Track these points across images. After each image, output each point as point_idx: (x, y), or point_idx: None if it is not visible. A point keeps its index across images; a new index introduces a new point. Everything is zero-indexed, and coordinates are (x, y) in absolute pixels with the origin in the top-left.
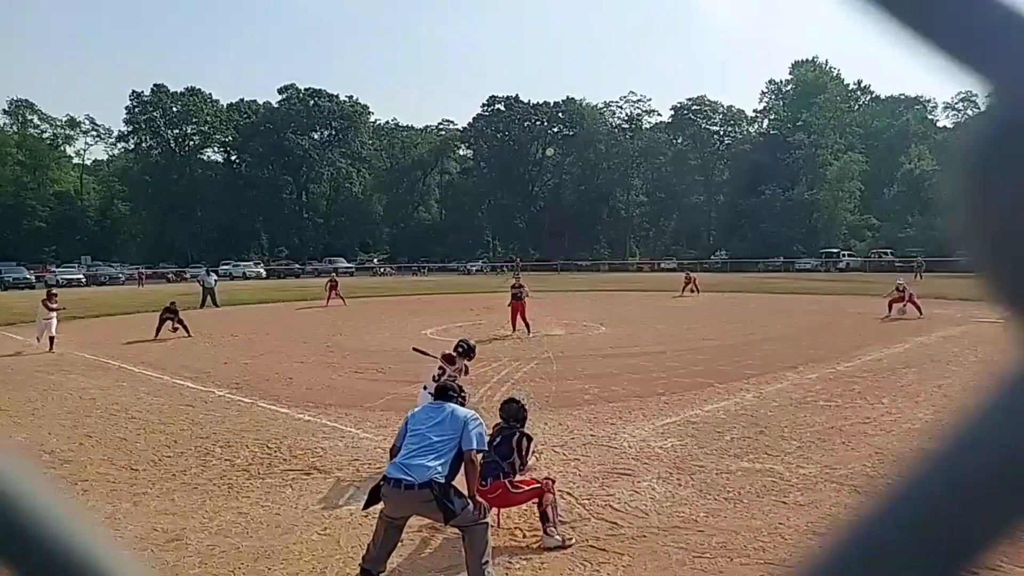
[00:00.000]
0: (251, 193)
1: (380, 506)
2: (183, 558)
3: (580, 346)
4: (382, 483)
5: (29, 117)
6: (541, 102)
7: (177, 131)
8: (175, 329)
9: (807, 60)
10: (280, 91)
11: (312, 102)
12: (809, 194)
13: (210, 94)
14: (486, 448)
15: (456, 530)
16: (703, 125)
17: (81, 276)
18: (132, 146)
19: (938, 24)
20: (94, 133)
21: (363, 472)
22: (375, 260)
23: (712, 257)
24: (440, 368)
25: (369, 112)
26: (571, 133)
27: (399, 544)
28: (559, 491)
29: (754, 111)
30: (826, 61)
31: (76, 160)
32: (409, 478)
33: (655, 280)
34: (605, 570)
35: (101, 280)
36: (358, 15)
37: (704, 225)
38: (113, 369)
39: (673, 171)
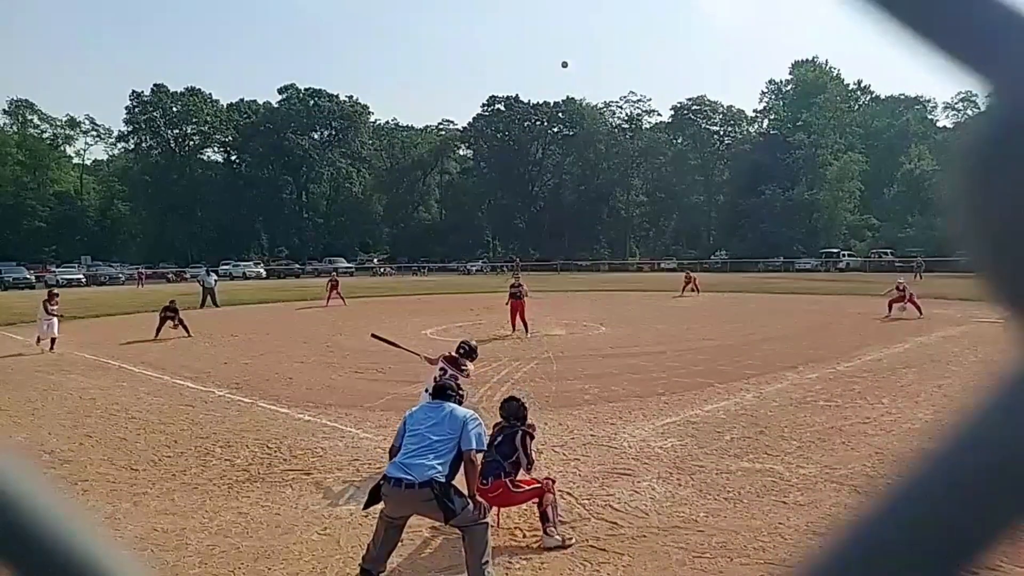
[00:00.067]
0: (251, 193)
1: (380, 506)
2: (183, 558)
3: (580, 346)
4: (382, 482)
5: (29, 117)
6: (541, 102)
7: (177, 131)
8: (176, 327)
9: (807, 60)
10: (280, 91)
11: (312, 102)
12: (809, 194)
13: (210, 94)
14: (485, 448)
15: (456, 530)
16: (703, 125)
17: (81, 276)
18: (132, 146)
19: (938, 24)
20: (94, 133)
21: (363, 472)
22: (375, 260)
23: (712, 257)
24: (441, 369)
25: (369, 112)
26: (571, 133)
27: (399, 544)
28: (559, 491)
29: (754, 111)
30: (826, 61)
31: (76, 160)
32: (409, 477)
33: (655, 280)
34: (605, 570)
35: (101, 280)
36: (358, 15)
37: (704, 225)
38: (113, 369)
39: (673, 171)
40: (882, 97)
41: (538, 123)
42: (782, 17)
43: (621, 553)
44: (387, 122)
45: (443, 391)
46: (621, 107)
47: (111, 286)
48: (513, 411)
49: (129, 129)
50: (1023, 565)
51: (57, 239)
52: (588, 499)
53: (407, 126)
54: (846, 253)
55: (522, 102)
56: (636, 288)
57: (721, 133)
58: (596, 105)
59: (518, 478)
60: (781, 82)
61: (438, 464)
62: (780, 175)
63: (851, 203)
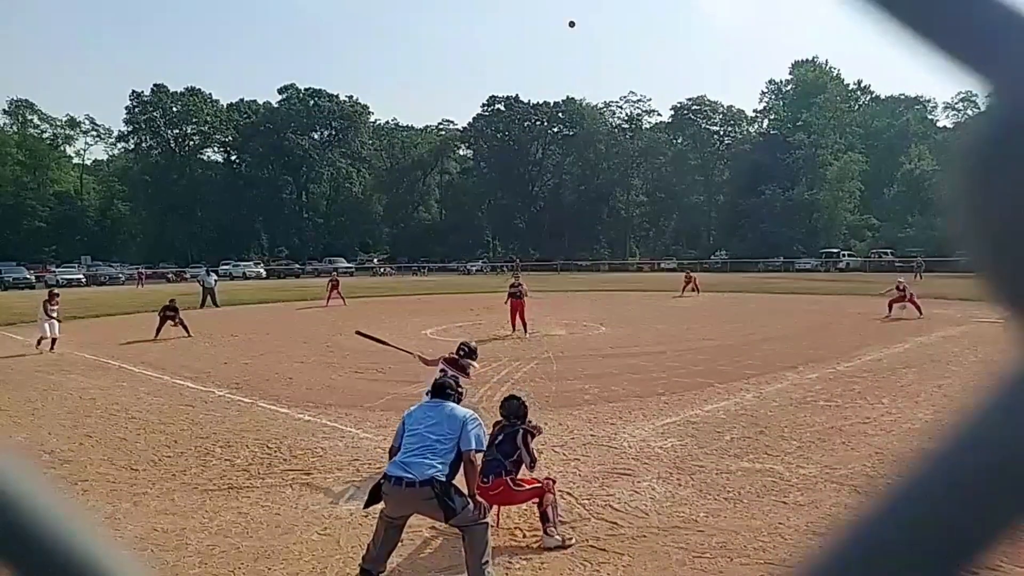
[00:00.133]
0: (251, 193)
1: (380, 506)
2: (183, 558)
3: (580, 346)
4: (383, 481)
5: (29, 117)
6: (541, 102)
7: (177, 131)
8: (176, 325)
9: (807, 60)
10: (280, 91)
11: (312, 102)
12: (809, 194)
13: (210, 94)
14: (484, 448)
15: (456, 530)
16: (703, 125)
17: (81, 276)
18: (132, 146)
19: (938, 24)
20: (94, 133)
21: (363, 472)
22: (375, 260)
23: (712, 257)
24: (442, 370)
25: (369, 112)
26: (571, 133)
27: (399, 544)
28: (559, 491)
29: (754, 111)
30: (826, 61)
31: (76, 160)
32: (410, 476)
33: (655, 280)
34: (605, 570)
35: (101, 280)
36: (358, 15)
37: (704, 225)
38: (113, 369)
39: (673, 171)
40: (882, 97)
41: (538, 123)
42: (782, 17)
43: (621, 553)
44: (387, 122)
45: (442, 390)
46: (621, 107)
47: (111, 286)
48: (514, 410)
49: (129, 129)
50: (1023, 565)
51: (57, 239)
52: (588, 499)
53: (407, 126)
54: (846, 253)
55: (522, 102)
56: (636, 288)
57: (721, 133)
58: (596, 105)
59: (519, 477)
60: (781, 82)
61: (438, 463)
62: (780, 175)
63: (851, 203)
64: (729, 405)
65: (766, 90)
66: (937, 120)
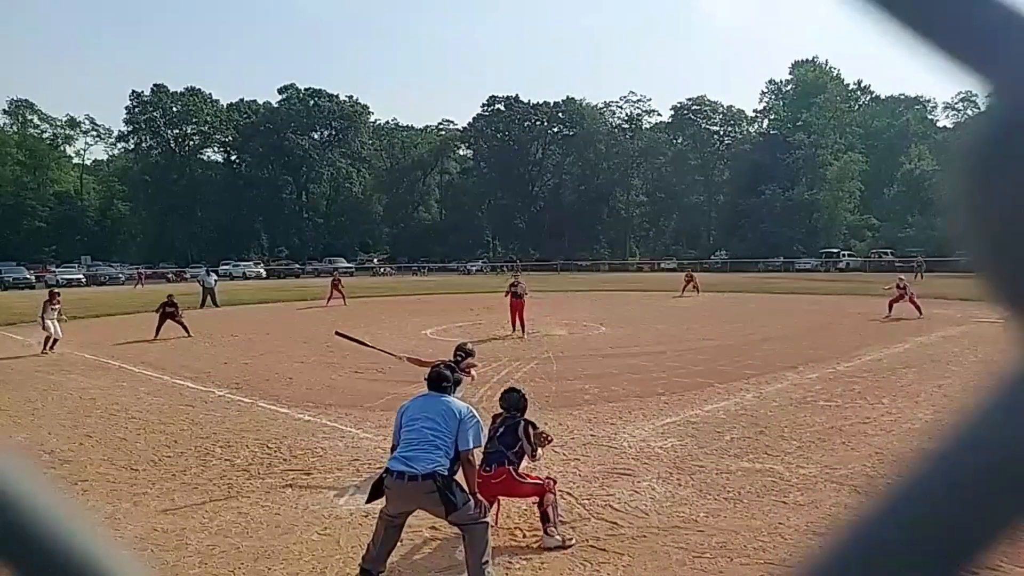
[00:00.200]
0: (251, 193)
1: (380, 505)
2: (183, 558)
3: (580, 346)
4: (384, 476)
5: (29, 117)
6: (541, 102)
7: (177, 131)
8: (179, 319)
9: (807, 60)
10: (280, 91)
11: (312, 102)
12: (809, 194)
13: (210, 94)
14: (482, 444)
15: (456, 530)
16: (703, 125)
17: (81, 276)
18: (132, 146)
19: (938, 24)
20: (94, 133)
21: (363, 472)
22: (375, 260)
23: (712, 257)
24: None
25: (369, 112)
26: (571, 133)
27: (399, 544)
28: (559, 491)
29: (754, 111)
30: (826, 61)
31: (76, 160)
32: (412, 469)
33: (655, 280)
34: (605, 570)
35: (101, 280)
36: (358, 15)
37: (704, 225)
38: (113, 369)
39: (673, 171)
40: (882, 97)
41: (538, 123)
42: (782, 17)
43: (621, 553)
44: (387, 122)
45: (439, 383)
46: (621, 107)
47: (111, 286)
48: (514, 403)
49: (129, 129)
50: (1023, 565)
51: (57, 239)
52: (588, 499)
53: (407, 126)
54: (846, 253)
55: (522, 102)
56: (636, 288)
57: (721, 133)
58: (596, 105)
59: (521, 469)
60: (781, 82)
61: (440, 457)
62: (780, 175)
63: (851, 203)
64: (729, 405)
65: (766, 90)
66: (937, 120)
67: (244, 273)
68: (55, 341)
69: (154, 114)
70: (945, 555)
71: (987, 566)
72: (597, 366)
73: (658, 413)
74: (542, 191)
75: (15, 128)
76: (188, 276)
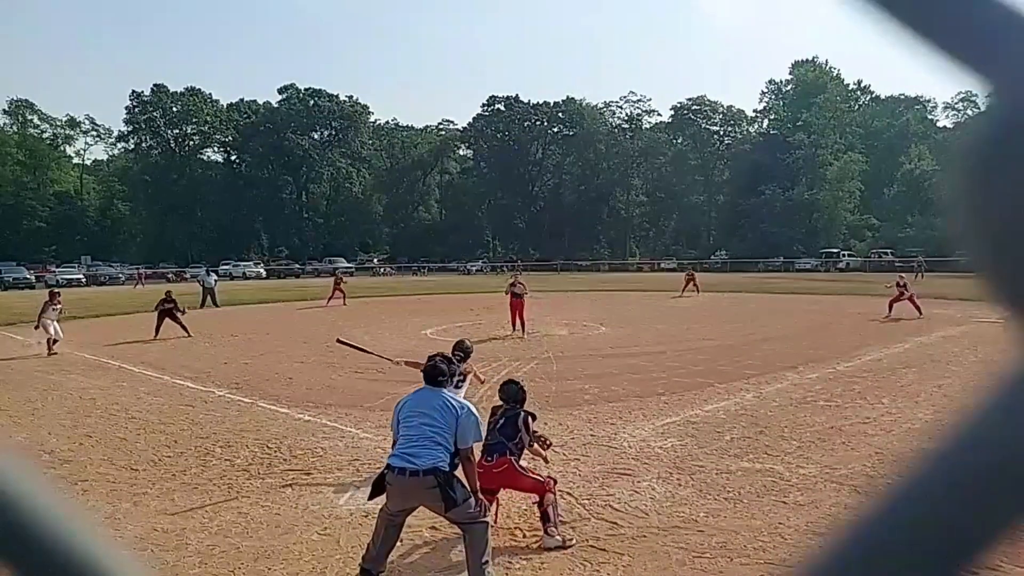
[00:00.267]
0: (251, 193)
1: (380, 505)
2: (183, 558)
3: (580, 346)
4: (386, 472)
5: (29, 117)
6: (541, 102)
7: (177, 131)
8: (182, 313)
9: (807, 60)
10: (280, 91)
11: (312, 102)
12: (809, 194)
13: (210, 94)
14: (481, 440)
15: (456, 530)
16: (703, 125)
17: (81, 276)
18: (132, 146)
19: (938, 24)
20: (94, 133)
21: (363, 472)
22: (375, 260)
23: (712, 257)
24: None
25: (369, 112)
26: (571, 133)
27: (399, 544)
28: (559, 491)
29: (754, 111)
30: (826, 61)
31: (76, 160)
32: (414, 465)
33: (655, 280)
34: (605, 570)
35: (101, 280)
36: (358, 15)
37: (704, 225)
38: (113, 369)
39: (673, 171)
40: (882, 97)
41: (538, 123)
42: (782, 17)
43: (621, 553)
44: (387, 122)
45: (435, 377)
46: (621, 107)
47: (111, 286)
48: (512, 394)
49: (129, 129)
50: (1023, 565)
51: (57, 239)
52: (588, 499)
53: (407, 126)
54: (846, 253)
55: (522, 102)
56: (636, 288)
57: (721, 133)
58: (596, 105)
59: (523, 463)
60: (781, 82)
61: (441, 453)
62: (780, 175)
63: (851, 203)
64: (729, 405)
65: (766, 90)
66: (937, 120)
67: (244, 273)
68: (54, 342)
69: (154, 114)
70: (945, 555)
71: (987, 566)
72: (597, 366)
73: (658, 413)
74: (542, 191)
75: (15, 128)
76: (188, 276)
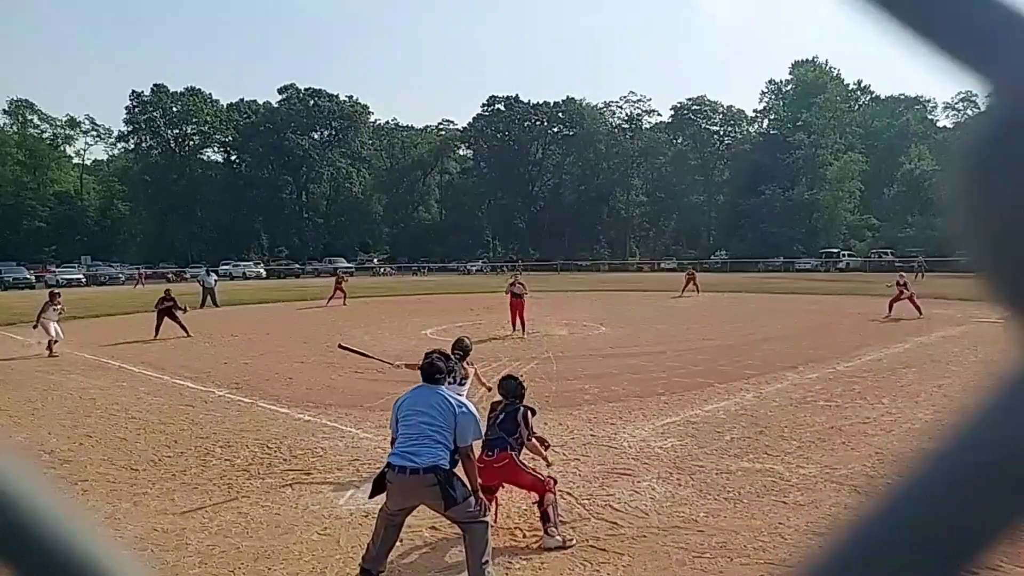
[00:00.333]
0: (251, 193)
1: (380, 504)
2: (183, 558)
3: (580, 346)
4: (386, 470)
5: (29, 117)
6: (541, 102)
7: (177, 131)
8: (184, 311)
9: (807, 60)
10: (280, 91)
11: (312, 102)
12: (809, 194)
13: (210, 94)
14: (480, 437)
15: (456, 530)
16: (703, 125)
17: (81, 276)
18: (132, 146)
19: (938, 24)
20: (94, 133)
21: (363, 472)
22: (375, 260)
23: (712, 257)
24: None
25: (369, 112)
26: (571, 133)
27: (399, 544)
28: (559, 491)
29: (754, 111)
30: (826, 61)
31: (76, 160)
32: (414, 463)
33: (655, 280)
34: (605, 570)
35: (101, 280)
36: (358, 15)
37: (704, 225)
38: (113, 369)
39: (673, 171)
40: (882, 97)
41: (538, 123)
42: (782, 17)
43: (621, 553)
44: (387, 122)
45: (432, 375)
46: (621, 107)
47: (111, 286)
48: (511, 390)
49: (129, 129)
50: (1023, 565)
51: (57, 239)
52: (588, 499)
53: (407, 126)
54: (846, 253)
55: (522, 102)
56: (636, 288)
57: (721, 133)
58: (596, 105)
59: (521, 457)
60: (781, 82)
61: (441, 451)
62: (780, 175)
63: (851, 203)
64: (729, 405)
65: (766, 90)
66: (937, 120)
67: (244, 273)
68: (54, 342)
69: (154, 114)
70: (945, 555)
71: (987, 566)
72: (597, 366)
73: (658, 413)
74: (542, 191)
75: (15, 128)
76: (188, 276)
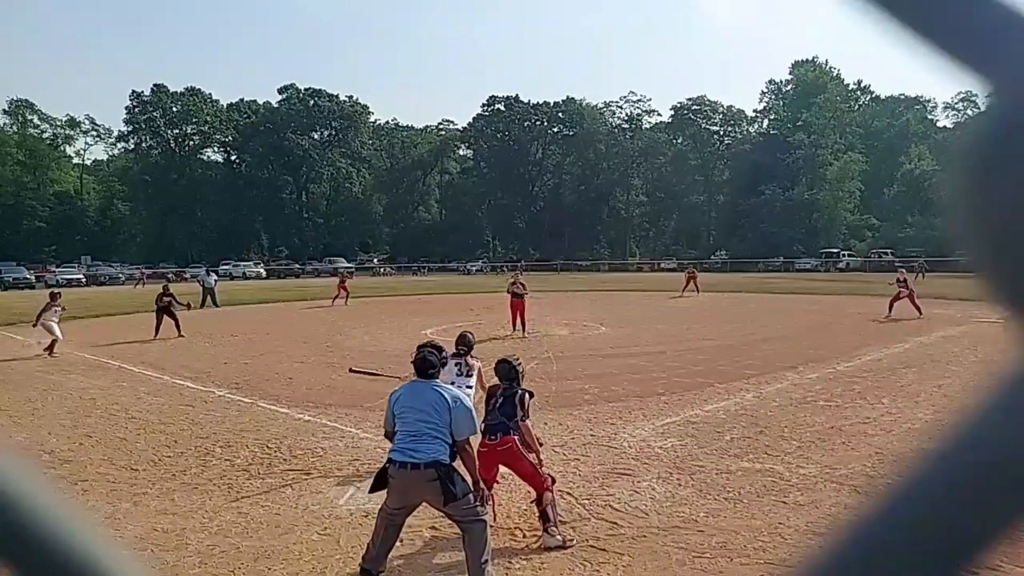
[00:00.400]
0: (251, 193)
1: (380, 504)
2: (183, 558)
3: (580, 346)
4: (388, 466)
5: (29, 117)
6: (541, 102)
7: (177, 131)
8: (188, 307)
9: (807, 60)
10: (280, 91)
11: (312, 102)
12: (809, 194)
13: (210, 94)
14: (476, 431)
15: (456, 530)
16: (703, 125)
17: (81, 276)
18: (132, 146)
19: (938, 24)
20: (94, 133)
21: (363, 472)
22: (375, 260)
23: (712, 257)
24: (456, 363)
25: (369, 112)
26: (571, 133)
27: (399, 544)
28: (559, 491)
29: (754, 111)
30: (826, 61)
31: (76, 160)
32: (415, 459)
33: (655, 280)
34: (605, 570)
35: (101, 280)
36: (358, 15)
37: (704, 225)
38: (113, 369)
39: (673, 171)
40: (882, 97)
41: (538, 123)
42: (782, 17)
43: (621, 553)
44: (387, 122)
45: (425, 370)
46: (621, 107)
47: (111, 286)
48: (506, 373)
49: (129, 129)
50: (1023, 565)
51: (57, 239)
52: (588, 499)
53: (407, 126)
54: (846, 253)
55: (522, 102)
56: (636, 288)
57: (721, 133)
58: (596, 105)
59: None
60: (781, 82)
61: (440, 447)
62: (780, 175)
63: (851, 203)
64: (729, 405)
65: (766, 90)
66: (937, 120)
67: (244, 273)
68: (53, 342)
69: (154, 114)
70: (945, 555)
71: (987, 566)
72: (597, 366)
73: (658, 413)
74: (542, 191)
75: (15, 128)
76: (188, 276)
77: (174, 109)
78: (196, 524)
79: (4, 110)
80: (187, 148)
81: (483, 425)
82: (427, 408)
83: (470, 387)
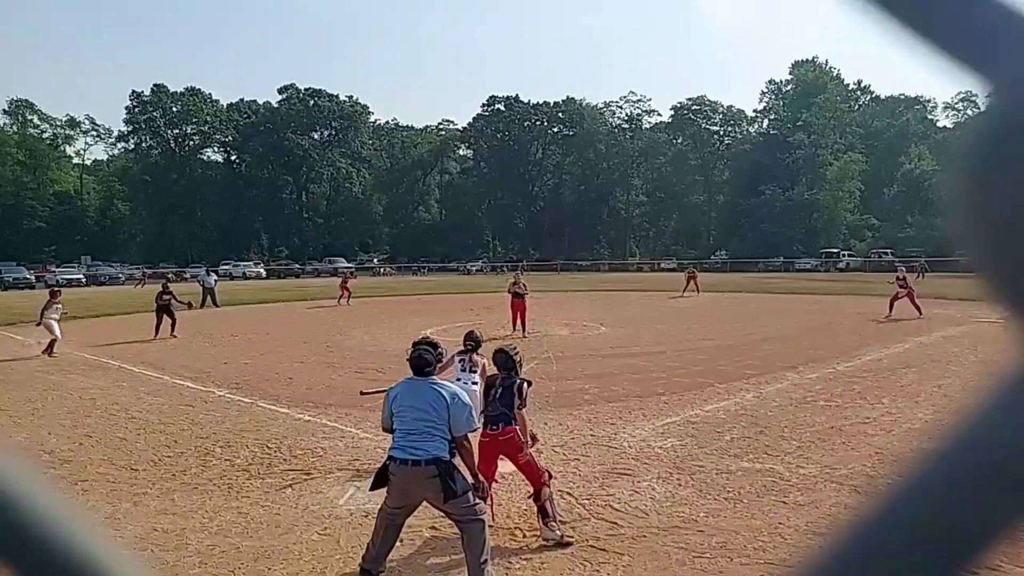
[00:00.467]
0: (251, 193)
1: (380, 504)
2: (183, 558)
3: (580, 346)
4: (388, 463)
5: (29, 117)
6: (541, 102)
7: (177, 131)
8: (189, 306)
9: (807, 60)
10: (280, 91)
11: (312, 102)
12: (809, 194)
13: (210, 94)
14: (474, 427)
15: (456, 530)
16: (703, 125)
17: (81, 276)
18: (132, 146)
19: (938, 24)
20: (94, 133)
21: (363, 472)
22: (375, 260)
23: (712, 257)
24: (460, 361)
25: (369, 112)
26: (571, 133)
27: (399, 544)
28: (559, 491)
29: (754, 111)
30: (826, 61)
31: (76, 160)
32: (416, 456)
33: (655, 280)
34: (605, 570)
35: (101, 280)
36: (358, 15)
37: (704, 225)
38: (113, 369)
39: (673, 171)
40: (882, 97)
41: (538, 123)
42: (782, 17)
43: (621, 553)
44: (387, 122)
45: (421, 368)
46: (621, 107)
47: (111, 286)
48: (503, 362)
49: (129, 129)
50: (1023, 565)
51: (57, 239)
52: (588, 499)
53: (407, 126)
54: (846, 253)
55: (522, 102)
56: (636, 288)
57: (721, 133)
58: (596, 105)
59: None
60: (781, 82)
61: (440, 443)
62: (780, 175)
63: (851, 203)
64: (729, 405)
65: (766, 90)
66: (937, 120)
67: (244, 273)
68: (52, 342)
69: (154, 114)
70: (945, 555)
71: (987, 566)
72: (597, 366)
73: (658, 413)
74: (542, 191)
75: (15, 128)
76: (188, 276)
77: (174, 109)
78: (196, 524)
79: (4, 110)
80: (187, 148)
81: (484, 416)
82: (425, 406)
83: (475, 383)
